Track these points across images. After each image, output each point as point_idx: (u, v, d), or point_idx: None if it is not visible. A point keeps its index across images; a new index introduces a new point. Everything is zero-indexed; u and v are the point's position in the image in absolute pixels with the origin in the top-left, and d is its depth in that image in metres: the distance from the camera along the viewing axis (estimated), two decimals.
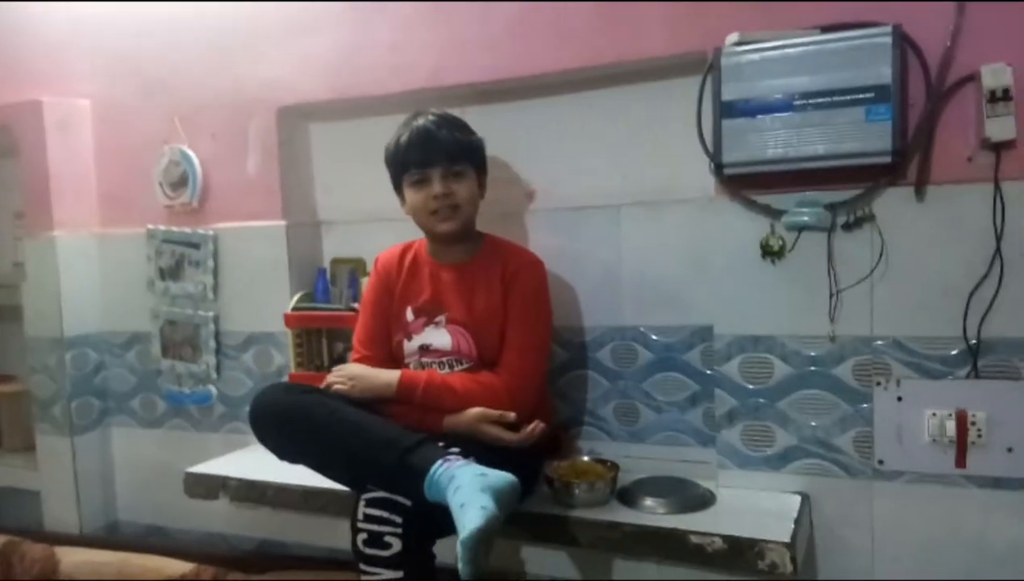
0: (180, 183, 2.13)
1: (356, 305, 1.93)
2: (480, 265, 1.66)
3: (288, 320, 1.97)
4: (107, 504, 2.33)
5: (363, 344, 1.70)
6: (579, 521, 1.50)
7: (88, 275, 2.28)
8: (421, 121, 1.61)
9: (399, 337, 1.68)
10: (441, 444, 1.40)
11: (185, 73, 2.12)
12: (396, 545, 1.34)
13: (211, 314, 2.13)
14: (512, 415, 1.52)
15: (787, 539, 1.36)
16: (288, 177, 2.06)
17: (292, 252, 2.04)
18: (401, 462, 1.36)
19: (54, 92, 2.24)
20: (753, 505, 1.53)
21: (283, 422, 1.52)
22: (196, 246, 2.13)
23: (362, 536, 1.36)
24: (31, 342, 2.28)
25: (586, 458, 1.70)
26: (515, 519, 1.41)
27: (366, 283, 1.78)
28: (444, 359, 1.64)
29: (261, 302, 2.06)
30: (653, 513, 1.51)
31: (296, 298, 2.00)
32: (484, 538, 1.21)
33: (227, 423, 2.16)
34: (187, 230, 2.14)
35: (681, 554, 1.43)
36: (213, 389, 2.16)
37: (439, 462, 1.34)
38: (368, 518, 1.36)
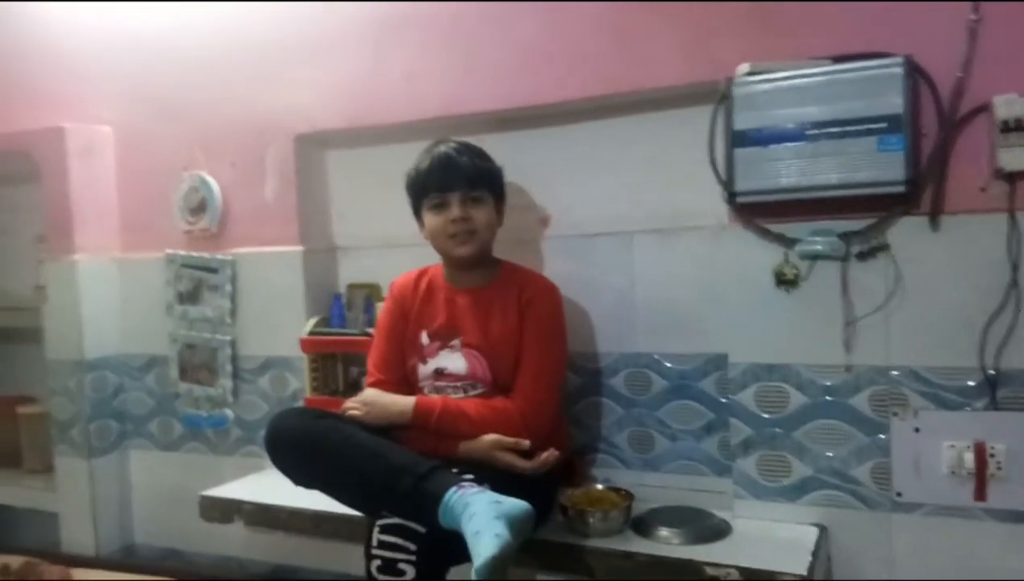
0: (199, 209, 2.16)
1: (371, 330, 1.94)
2: (496, 290, 1.67)
3: (304, 345, 1.98)
4: (124, 526, 2.34)
5: (378, 368, 1.71)
6: (593, 550, 1.49)
7: (108, 299, 2.31)
8: (442, 148, 1.64)
9: (414, 361, 1.69)
10: (455, 471, 1.40)
11: (205, 101, 2.16)
12: (410, 573, 1.34)
13: (228, 338, 2.15)
14: (527, 443, 1.51)
15: (804, 572, 1.35)
16: (305, 203, 2.08)
17: (308, 277, 2.06)
18: (415, 488, 1.36)
19: (76, 118, 2.29)
20: (769, 536, 1.52)
21: (298, 447, 1.52)
22: (214, 271, 2.15)
23: (376, 562, 1.36)
24: (52, 364, 2.30)
25: (600, 486, 1.69)
26: (528, 547, 1.40)
27: (381, 307, 1.79)
28: (459, 384, 1.64)
29: (278, 327, 2.07)
30: (668, 543, 1.50)
31: (312, 323, 2.01)
32: (498, 566, 1.21)
33: (243, 447, 2.17)
34: (205, 255, 2.16)
35: None
36: (230, 412, 2.18)
37: (453, 489, 1.33)
38: (382, 544, 1.36)
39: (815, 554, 1.42)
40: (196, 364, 2.21)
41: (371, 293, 2.06)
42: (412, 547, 1.35)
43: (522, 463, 1.50)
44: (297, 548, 2.05)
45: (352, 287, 2.12)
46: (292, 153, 2.06)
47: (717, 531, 1.54)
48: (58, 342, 2.29)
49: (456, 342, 1.65)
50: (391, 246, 2.03)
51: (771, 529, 1.54)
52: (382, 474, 1.41)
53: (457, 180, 1.61)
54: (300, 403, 2.02)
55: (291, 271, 2.06)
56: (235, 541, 2.15)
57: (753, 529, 1.55)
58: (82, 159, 2.26)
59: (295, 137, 2.05)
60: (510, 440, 1.51)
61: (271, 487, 1.96)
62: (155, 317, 2.25)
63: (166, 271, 2.22)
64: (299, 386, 2.05)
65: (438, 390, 1.65)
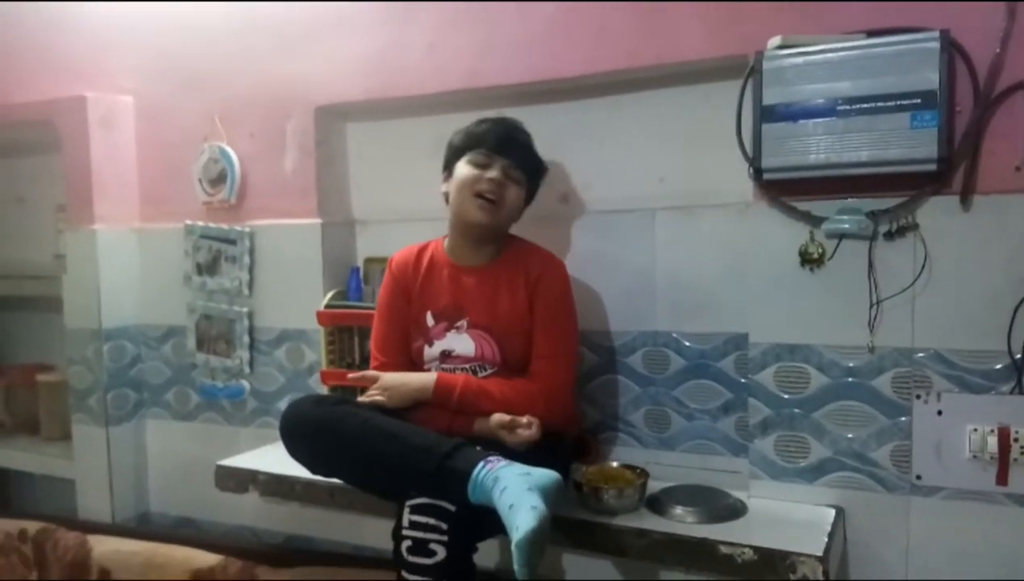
0: (219, 180, 2.15)
1: None
2: (502, 268, 1.65)
3: (321, 318, 1.98)
4: (139, 494, 2.36)
5: (380, 350, 1.68)
6: (607, 527, 1.49)
7: (127, 269, 2.32)
8: (494, 118, 1.65)
9: (419, 343, 1.66)
10: (478, 448, 1.40)
11: (225, 72, 2.15)
12: (440, 553, 1.32)
13: (246, 310, 2.15)
14: (524, 419, 1.50)
15: (820, 552, 1.33)
16: (324, 176, 2.08)
17: (326, 250, 2.06)
18: (442, 467, 1.35)
19: (97, 88, 2.29)
20: (786, 517, 1.50)
21: (315, 436, 1.51)
22: (233, 242, 2.15)
23: (406, 543, 1.34)
24: (70, 333, 2.32)
25: (615, 464, 1.68)
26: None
27: (382, 286, 1.74)
28: (467, 366, 1.62)
29: (295, 299, 2.07)
30: (682, 522, 1.49)
31: (329, 296, 2.01)
32: (538, 539, 1.20)
33: (259, 417, 2.18)
34: (224, 226, 2.16)
35: (710, 564, 1.40)
36: (246, 384, 2.18)
37: (481, 464, 1.33)
38: (413, 525, 1.35)
39: (831, 535, 1.40)
40: (213, 335, 2.21)
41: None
42: (444, 526, 1.34)
43: (527, 434, 1.49)
44: (311, 519, 2.07)
45: (370, 261, 2.11)
46: (312, 125, 2.05)
47: (732, 511, 1.53)
48: (77, 311, 2.31)
49: (463, 323, 1.63)
50: (410, 220, 2.02)
51: (787, 510, 1.53)
52: (406, 455, 1.40)
53: (510, 150, 1.61)
54: (316, 376, 2.03)
55: (309, 244, 2.06)
56: (249, 511, 2.16)
57: (769, 509, 1.54)
58: (103, 129, 2.26)
59: (315, 109, 2.04)
60: (506, 418, 1.50)
61: (286, 458, 1.94)
62: (173, 288, 2.25)
63: (184, 242, 2.22)
64: (315, 359, 2.06)
65: (445, 370, 1.63)
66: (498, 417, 1.50)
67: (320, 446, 1.52)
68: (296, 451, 1.57)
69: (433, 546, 1.33)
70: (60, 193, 2.38)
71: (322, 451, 1.53)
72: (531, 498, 1.24)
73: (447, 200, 1.67)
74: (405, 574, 1.34)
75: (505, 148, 1.60)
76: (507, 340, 1.61)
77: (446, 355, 1.63)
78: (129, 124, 2.31)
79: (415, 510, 1.36)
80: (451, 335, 1.63)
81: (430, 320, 1.65)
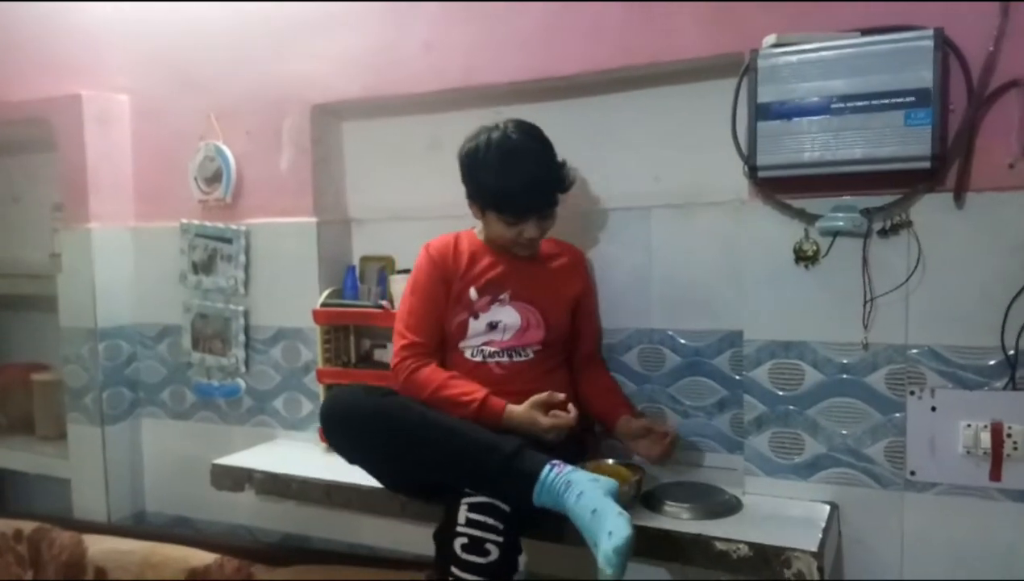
0: (214, 178, 2.15)
1: (384, 302, 1.94)
2: (539, 255, 1.69)
3: (317, 316, 1.98)
4: (135, 493, 2.36)
5: (413, 330, 1.63)
6: None
7: (122, 267, 2.31)
8: (520, 157, 1.55)
9: (463, 317, 1.64)
10: (536, 451, 1.40)
11: (221, 70, 2.15)
12: (495, 553, 1.33)
13: (241, 308, 2.15)
14: (562, 395, 1.53)
15: (815, 548, 1.34)
16: (320, 175, 2.08)
17: (322, 249, 2.06)
18: (509, 467, 1.35)
19: (93, 86, 2.28)
20: (780, 513, 1.51)
21: (366, 424, 1.49)
22: (228, 241, 2.15)
23: (462, 540, 1.34)
24: (65, 332, 2.31)
25: (611, 461, 1.68)
26: (541, 520, 1.40)
27: (415, 268, 1.70)
28: (508, 347, 1.63)
29: (291, 298, 2.07)
30: (678, 518, 1.49)
31: (325, 294, 2.01)
32: (633, 544, 1.22)
33: (254, 416, 2.18)
34: (220, 225, 2.16)
35: (705, 560, 1.41)
36: (242, 382, 2.18)
37: (548, 467, 1.34)
38: (471, 523, 1.35)
39: (826, 531, 1.41)
40: (209, 334, 2.21)
41: (385, 266, 2.06)
42: (501, 526, 1.35)
43: (562, 416, 1.50)
44: (307, 517, 2.06)
45: (366, 259, 2.11)
46: (308, 123, 2.05)
47: (728, 507, 1.53)
48: (72, 310, 2.30)
49: (505, 296, 1.64)
50: (406, 219, 2.03)
51: (782, 506, 1.54)
52: (468, 452, 1.40)
53: (537, 204, 1.58)
54: (312, 374, 2.03)
55: (305, 242, 2.05)
56: (245, 510, 2.16)
57: (764, 506, 1.54)
58: (99, 127, 2.26)
59: (311, 107, 2.04)
60: (543, 395, 1.51)
61: (282, 456, 1.98)
62: (169, 286, 2.25)
63: (180, 240, 2.22)
64: (311, 357, 2.06)
65: (484, 353, 1.63)
66: (533, 399, 1.51)
67: (369, 437, 1.50)
68: (338, 439, 1.57)
69: (489, 546, 1.33)
70: (55, 191, 2.38)
71: (371, 442, 1.51)
72: (613, 504, 1.26)
73: (476, 216, 1.68)
74: (457, 571, 1.33)
75: (535, 207, 1.58)
76: (551, 313, 1.65)
77: (492, 326, 1.64)
78: (125, 122, 2.31)
79: (474, 508, 1.36)
80: (495, 307, 1.64)
81: (473, 294, 1.64)
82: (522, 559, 1.44)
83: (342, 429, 1.55)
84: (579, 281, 1.73)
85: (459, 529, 1.35)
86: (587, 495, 1.27)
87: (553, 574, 1.80)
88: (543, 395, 1.52)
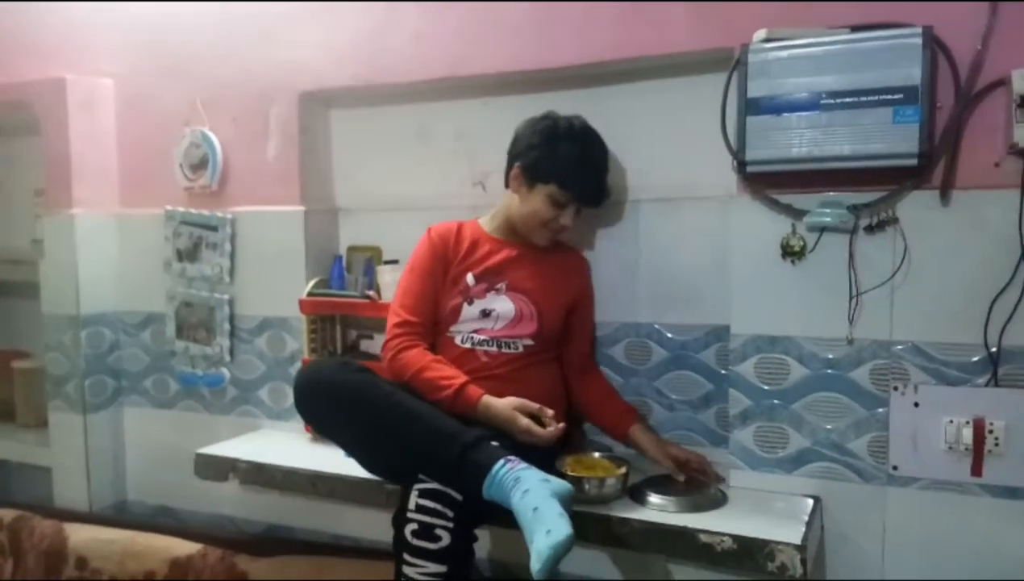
0: (200, 165, 2.13)
1: (371, 293, 1.93)
2: (540, 248, 1.69)
3: (303, 306, 1.97)
4: (117, 483, 2.34)
5: (409, 309, 1.63)
6: (589, 516, 1.49)
7: (106, 254, 2.29)
8: (598, 151, 1.62)
9: (457, 301, 1.64)
10: (495, 443, 1.40)
11: (208, 56, 2.12)
12: (445, 539, 1.34)
13: (226, 297, 2.13)
14: (550, 412, 1.51)
15: (798, 541, 1.35)
16: (307, 163, 2.06)
17: (309, 238, 2.04)
18: (462, 458, 1.35)
19: (77, 70, 2.25)
20: (764, 506, 1.52)
21: (335, 398, 1.50)
22: (214, 229, 2.13)
23: (412, 526, 1.35)
24: (47, 319, 2.29)
25: (597, 454, 1.69)
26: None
27: (416, 249, 1.69)
28: (498, 337, 1.63)
29: (276, 287, 2.06)
30: (663, 511, 1.50)
31: (311, 284, 2.00)
32: (570, 545, 1.21)
33: (239, 406, 2.16)
34: (205, 212, 2.14)
35: (690, 553, 1.42)
36: (226, 372, 2.17)
37: (501, 462, 1.34)
38: (420, 508, 1.36)
39: (809, 524, 1.42)
40: (193, 322, 2.19)
41: (372, 256, 2.05)
42: (450, 513, 1.35)
43: (538, 431, 1.49)
44: (292, 507, 2.06)
45: (353, 249, 2.10)
46: (296, 111, 2.03)
47: (712, 500, 1.54)
48: (54, 297, 2.28)
49: (502, 285, 1.65)
50: (394, 209, 2.02)
51: (766, 499, 1.55)
52: (426, 439, 1.40)
53: (595, 198, 1.63)
54: (297, 364, 2.02)
55: (291, 231, 2.04)
56: (229, 500, 2.15)
57: (748, 499, 1.55)
58: (83, 112, 2.23)
59: (299, 95, 2.02)
60: (535, 406, 1.50)
61: (267, 446, 1.96)
62: (153, 274, 2.23)
63: (165, 228, 2.20)
64: (297, 347, 2.04)
65: (474, 340, 1.63)
66: (520, 401, 1.50)
67: (337, 411, 1.50)
68: (308, 410, 1.57)
69: (439, 532, 1.34)
70: (38, 177, 2.34)
71: (339, 416, 1.51)
72: (556, 505, 1.26)
73: (508, 185, 1.67)
74: (408, 557, 1.34)
75: (590, 198, 1.62)
76: (546, 307, 1.65)
77: (485, 314, 1.63)
78: (109, 107, 2.28)
79: (424, 494, 1.36)
80: (491, 295, 1.64)
81: (471, 280, 1.65)
82: (484, 546, 1.44)
83: (312, 402, 1.55)
84: (578, 282, 1.73)
85: (409, 515, 1.36)
86: (532, 493, 1.27)
87: (517, 561, 1.80)
88: (534, 405, 1.51)
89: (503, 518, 1.32)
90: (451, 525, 1.34)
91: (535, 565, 1.20)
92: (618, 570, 1.72)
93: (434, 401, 1.50)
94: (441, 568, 1.33)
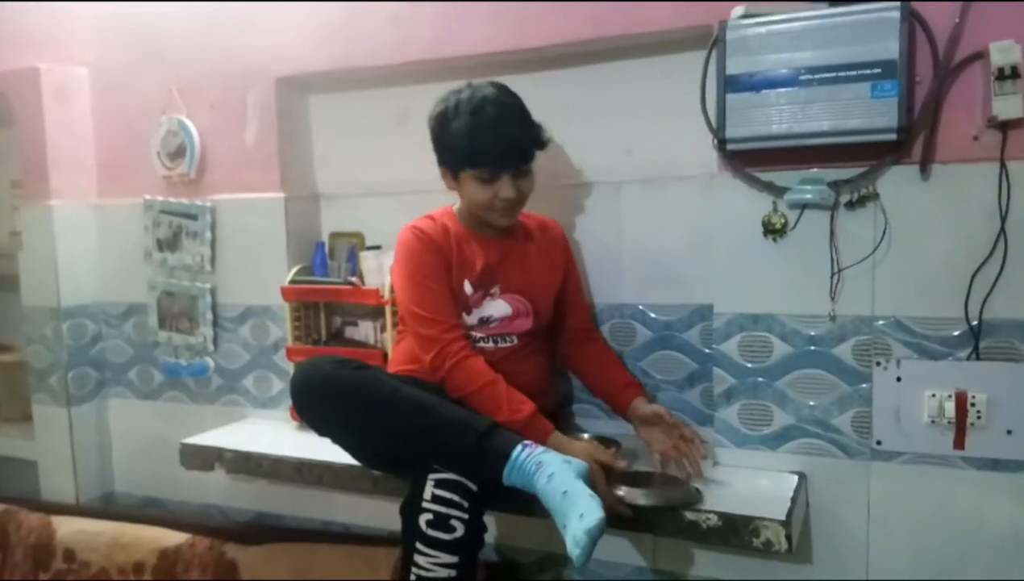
0: (178, 153, 2.11)
1: (355, 279, 1.92)
2: (521, 233, 1.67)
3: (286, 293, 1.96)
4: (103, 474, 2.33)
5: (445, 313, 1.53)
6: None
7: (85, 245, 2.26)
8: (490, 111, 1.49)
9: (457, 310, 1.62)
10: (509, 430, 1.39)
11: (184, 42, 2.09)
12: (460, 530, 1.33)
13: (208, 286, 2.12)
14: (623, 464, 1.45)
15: (783, 517, 1.36)
16: (287, 149, 2.04)
17: (290, 225, 2.02)
18: (479, 445, 1.34)
19: (51, 59, 2.21)
20: (750, 483, 1.52)
21: (337, 398, 1.45)
22: (194, 217, 2.11)
23: (426, 516, 1.34)
24: (28, 312, 2.26)
25: (586, 436, 1.68)
26: (514, 493, 1.40)
27: (413, 256, 1.58)
28: (494, 334, 1.62)
29: (259, 274, 2.04)
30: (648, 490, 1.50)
31: (294, 271, 1.98)
32: (604, 528, 1.20)
33: (224, 395, 2.15)
34: (185, 201, 2.12)
35: (676, 530, 1.42)
36: (210, 361, 2.15)
37: (519, 447, 1.32)
38: (436, 499, 1.34)
39: (794, 500, 1.43)
40: (175, 312, 2.18)
41: (355, 242, 2.03)
42: (466, 504, 1.34)
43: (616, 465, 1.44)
44: (278, 496, 2.06)
45: (335, 236, 2.09)
46: (273, 97, 2.00)
47: (687, 499, 1.52)
48: (34, 289, 2.25)
49: (496, 289, 1.62)
50: (376, 194, 2.00)
51: (751, 477, 1.55)
52: (438, 429, 1.37)
53: (511, 156, 1.51)
54: (282, 352, 2.01)
55: (272, 218, 2.02)
56: (216, 489, 2.14)
57: (733, 477, 1.56)
58: (58, 101, 2.20)
59: (276, 80, 1.99)
60: (607, 457, 1.44)
61: (253, 435, 1.96)
62: (133, 264, 2.21)
63: (144, 217, 2.17)
64: (281, 335, 2.03)
65: (473, 339, 1.60)
66: (594, 447, 1.45)
67: (340, 410, 1.46)
68: (309, 412, 1.54)
69: (454, 522, 1.33)
70: (14, 168, 2.32)
71: (342, 415, 1.47)
72: (584, 487, 1.24)
73: (449, 186, 1.61)
74: (421, 547, 1.33)
75: (506, 158, 1.51)
76: (540, 302, 1.64)
77: (484, 322, 1.61)
78: (85, 96, 2.25)
79: (440, 484, 1.35)
80: (487, 302, 1.62)
81: (468, 288, 1.61)
82: (488, 535, 1.44)
83: (314, 402, 1.52)
84: (562, 259, 1.70)
85: (425, 505, 1.35)
86: (558, 476, 1.26)
87: (521, 546, 1.81)
88: (609, 458, 1.44)
89: (510, 505, 1.31)
90: (466, 516, 1.34)
91: (573, 551, 1.19)
92: (605, 549, 1.72)
93: (502, 422, 1.42)
94: (453, 558, 1.33)
